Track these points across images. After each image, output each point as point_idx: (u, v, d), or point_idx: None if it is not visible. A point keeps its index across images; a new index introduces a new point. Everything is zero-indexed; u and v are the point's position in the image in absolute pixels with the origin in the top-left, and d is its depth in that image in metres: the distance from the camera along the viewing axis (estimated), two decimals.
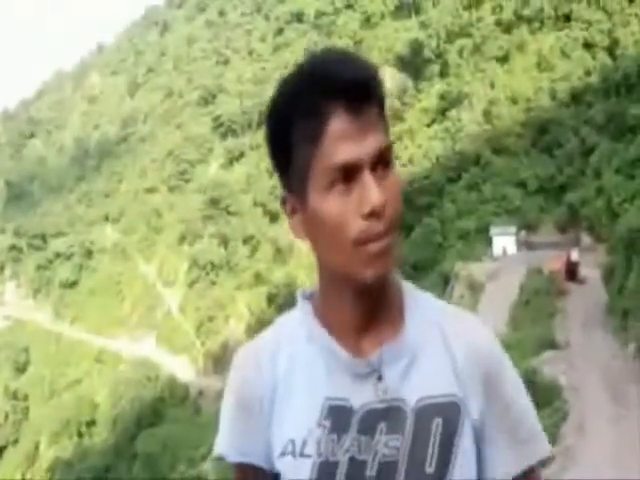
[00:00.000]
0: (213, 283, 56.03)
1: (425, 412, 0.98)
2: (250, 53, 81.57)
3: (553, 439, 12.41)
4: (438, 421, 0.97)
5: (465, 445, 0.99)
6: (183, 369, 49.78)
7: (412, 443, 0.96)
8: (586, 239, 29.85)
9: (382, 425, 0.97)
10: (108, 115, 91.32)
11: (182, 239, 61.62)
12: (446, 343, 1.02)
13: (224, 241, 58.72)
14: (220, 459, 1.04)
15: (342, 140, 0.90)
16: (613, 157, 31.71)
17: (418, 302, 1.05)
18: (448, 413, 0.98)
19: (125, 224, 68.41)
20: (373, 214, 0.90)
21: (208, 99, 76.98)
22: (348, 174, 0.91)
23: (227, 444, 1.04)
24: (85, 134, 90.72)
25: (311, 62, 0.94)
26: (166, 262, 60.67)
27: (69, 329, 60.41)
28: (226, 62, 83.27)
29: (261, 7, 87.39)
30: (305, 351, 1.01)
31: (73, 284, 64.26)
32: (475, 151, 42.11)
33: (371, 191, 0.90)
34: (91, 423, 47.49)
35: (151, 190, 70.44)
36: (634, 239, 18.41)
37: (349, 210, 0.91)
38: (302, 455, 0.97)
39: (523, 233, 33.77)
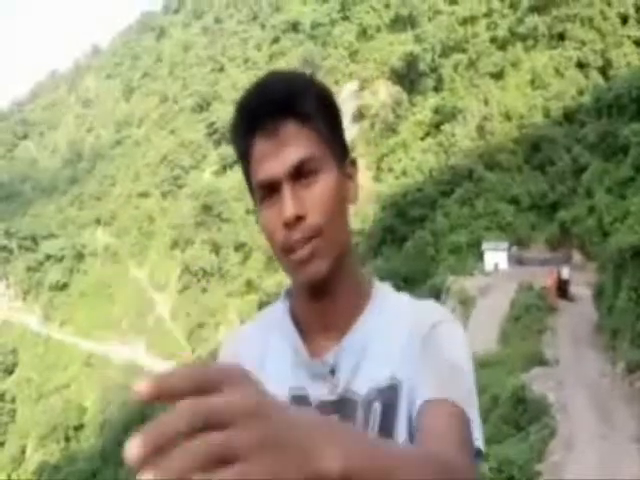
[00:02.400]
0: (204, 290, 56.07)
1: (368, 400, 1.04)
2: (245, 61, 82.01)
3: (541, 455, 12.71)
4: (376, 405, 1.04)
5: (404, 425, 1.03)
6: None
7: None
8: (577, 257, 30.28)
9: (334, 416, 1.04)
10: (102, 118, 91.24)
11: (174, 244, 61.64)
12: (396, 329, 1.08)
13: (216, 248, 58.82)
14: None
15: (261, 160, 0.99)
16: (604, 176, 32.24)
17: (381, 298, 1.12)
18: (387, 396, 1.04)
19: (117, 228, 68.30)
20: (288, 225, 0.98)
21: (203, 106, 77.26)
22: (272, 189, 1.00)
23: None
24: (79, 137, 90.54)
25: (245, 92, 1.03)
26: (157, 267, 60.63)
27: (58, 332, 60.09)
28: (221, 69, 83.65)
29: (257, 16, 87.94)
30: (278, 344, 1.12)
31: (63, 287, 63.98)
32: (468, 166, 42.61)
33: (285, 204, 0.98)
34: (79, 427, 47.23)
35: (144, 195, 70.41)
36: (624, 259, 18.72)
37: (274, 222, 1.00)
38: None
39: (515, 249, 34.20)
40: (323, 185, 1.00)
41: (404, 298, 1.13)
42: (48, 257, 65.72)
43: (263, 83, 1.01)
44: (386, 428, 1.02)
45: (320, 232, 1.00)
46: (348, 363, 1.06)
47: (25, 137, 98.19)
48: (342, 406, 1.05)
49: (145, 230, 65.54)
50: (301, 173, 0.99)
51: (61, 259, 65.58)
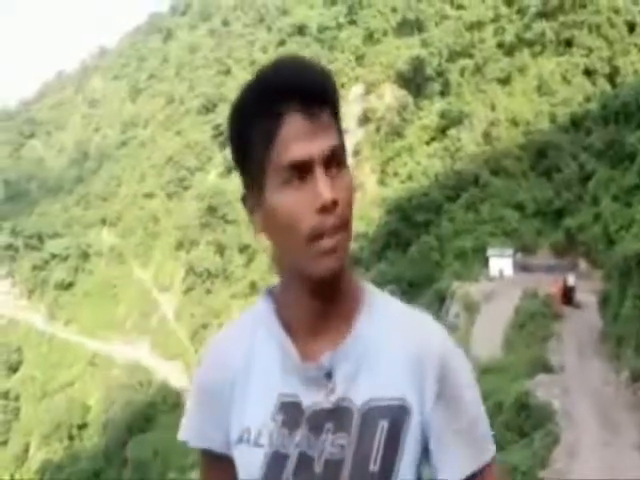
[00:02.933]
0: (208, 291, 56.25)
1: (371, 414, 1.02)
2: (252, 64, 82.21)
3: (544, 462, 12.76)
4: (384, 424, 1.01)
5: (410, 447, 1.03)
6: (176, 375, 49.80)
7: (357, 443, 1.01)
8: (583, 264, 30.32)
9: (329, 424, 1.02)
10: (109, 119, 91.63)
11: (179, 245, 61.86)
12: (400, 344, 1.05)
13: (220, 249, 59.00)
14: (184, 443, 1.13)
15: (295, 139, 0.96)
16: (611, 184, 32.29)
17: (375, 303, 1.09)
18: (395, 416, 1.02)
19: (122, 228, 68.58)
20: (325, 209, 0.95)
21: (209, 107, 77.48)
22: (301, 171, 0.96)
23: (189, 430, 1.12)
24: (85, 137, 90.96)
25: (270, 68, 1.00)
26: (162, 268, 60.85)
27: (63, 331, 60.35)
28: (227, 71, 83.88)
29: (264, 18, 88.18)
30: (264, 346, 1.07)
31: (68, 286, 64.27)
32: (474, 171, 42.69)
33: (323, 187, 0.95)
34: (82, 426, 47.43)
35: (149, 195, 70.68)
36: (630, 267, 18.74)
37: (302, 206, 0.96)
38: (256, 444, 1.03)
39: (520, 255, 34.24)
40: (348, 178, 1.01)
41: (398, 305, 1.12)
42: (53, 256, 66.04)
43: (299, 63, 0.99)
44: (391, 447, 1.01)
45: (347, 225, 0.99)
46: (346, 369, 1.03)
47: (32, 136, 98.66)
48: (337, 414, 1.02)
49: (150, 231, 65.80)
50: (331, 162, 0.98)
51: (66, 258, 65.88)
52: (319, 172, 0.96)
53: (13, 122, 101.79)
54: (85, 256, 66.62)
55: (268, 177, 0.98)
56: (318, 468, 1.01)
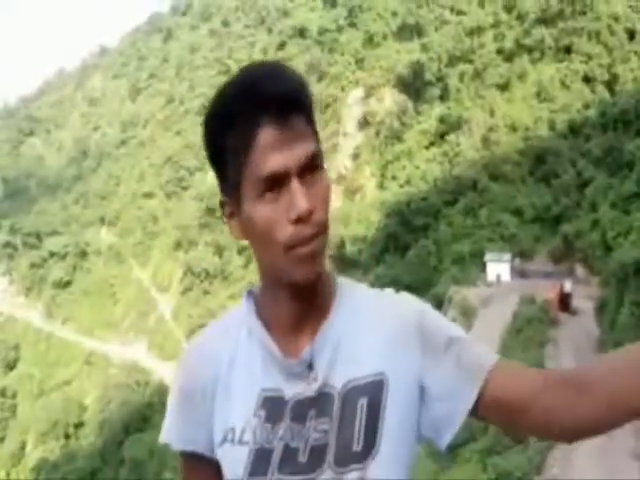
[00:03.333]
0: (206, 292, 56.30)
1: (350, 394, 1.04)
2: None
3: (539, 468, 12.89)
4: (363, 402, 1.03)
5: (393, 419, 1.04)
6: (173, 376, 49.78)
7: (339, 425, 1.03)
8: (580, 271, 30.53)
9: (312, 411, 1.04)
10: (108, 118, 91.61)
11: (177, 246, 61.91)
12: (373, 323, 1.07)
13: (219, 250, 59.07)
14: (166, 447, 1.13)
15: (270, 150, 0.96)
16: (609, 191, 32.54)
17: (348, 293, 1.12)
18: (372, 392, 1.04)
19: (121, 227, 68.60)
20: (300, 220, 0.97)
21: None
22: (277, 182, 0.97)
23: (172, 433, 1.11)
24: (84, 135, 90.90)
25: (243, 75, 1.00)
26: (160, 268, 60.89)
27: (60, 329, 60.32)
28: (228, 72, 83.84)
29: (265, 20, 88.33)
30: (245, 346, 1.09)
31: (66, 284, 64.24)
32: (472, 176, 42.92)
33: (298, 198, 0.96)
34: (79, 425, 47.40)
35: (148, 195, 70.72)
36: (627, 274, 18.91)
37: (278, 216, 0.97)
38: (240, 442, 1.04)
39: (517, 261, 34.45)
40: (324, 182, 1.02)
41: (365, 289, 1.14)
42: (52, 254, 66.01)
43: (270, 71, 0.99)
44: (372, 423, 1.03)
45: (325, 228, 1.01)
46: (324, 358, 1.06)
47: (31, 134, 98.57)
48: (320, 401, 1.04)
49: (149, 230, 65.83)
50: (306, 169, 0.99)
51: (64, 257, 65.87)
52: (295, 183, 0.97)
53: (13, 119, 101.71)
54: (83, 255, 66.62)
55: (245, 187, 0.99)
56: (303, 458, 1.02)
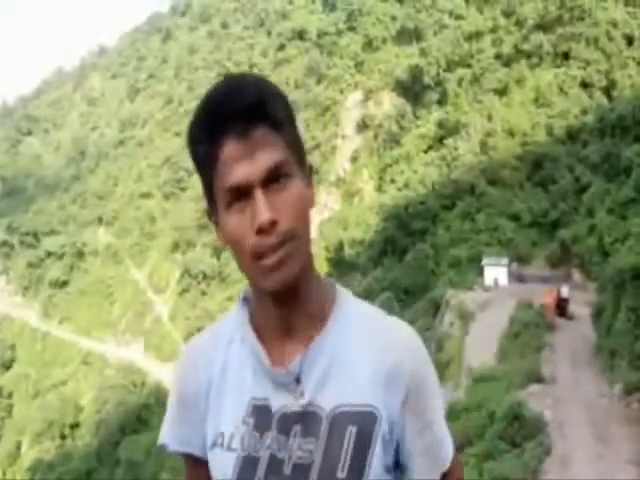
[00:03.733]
0: (204, 293, 56.28)
1: (340, 420, 1.04)
2: (251, 67, 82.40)
3: (535, 473, 12.95)
4: (352, 429, 1.04)
5: (379, 454, 1.05)
6: (170, 377, 49.81)
7: (325, 448, 1.04)
8: (577, 276, 30.65)
9: (297, 428, 1.05)
10: (107, 118, 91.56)
11: (175, 247, 61.88)
12: (368, 351, 1.08)
13: (217, 252, 59.06)
14: (163, 448, 1.18)
15: (232, 164, 0.99)
16: (606, 197, 32.69)
17: (346, 309, 1.12)
18: (363, 423, 1.04)
19: (118, 228, 68.55)
20: (262, 230, 0.98)
21: None
22: (242, 193, 1.00)
23: (168, 435, 1.16)
24: (83, 135, 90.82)
25: (209, 92, 1.04)
26: (158, 269, 60.84)
27: (57, 329, 60.22)
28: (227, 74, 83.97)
29: (264, 22, 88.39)
30: (238, 352, 1.11)
31: (63, 284, 64.15)
32: (470, 181, 43.05)
33: (259, 209, 0.98)
34: (75, 426, 47.33)
35: (146, 195, 70.68)
36: (624, 280, 18.92)
37: (244, 227, 1.00)
38: (229, 449, 1.07)
39: (515, 265, 34.55)
40: (294, 190, 1.02)
41: (369, 310, 1.14)
42: (49, 254, 65.92)
43: (231, 86, 1.02)
44: (360, 453, 1.04)
45: (294, 236, 1.01)
46: (314, 374, 1.06)
47: (29, 133, 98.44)
48: (306, 418, 1.05)
49: (146, 231, 65.80)
50: (273, 178, 1.00)
51: (62, 256, 65.78)
52: (258, 194, 0.99)
53: (11, 118, 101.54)
54: (80, 255, 66.54)
55: (217, 198, 1.04)
56: (287, 470, 1.04)
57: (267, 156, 1.00)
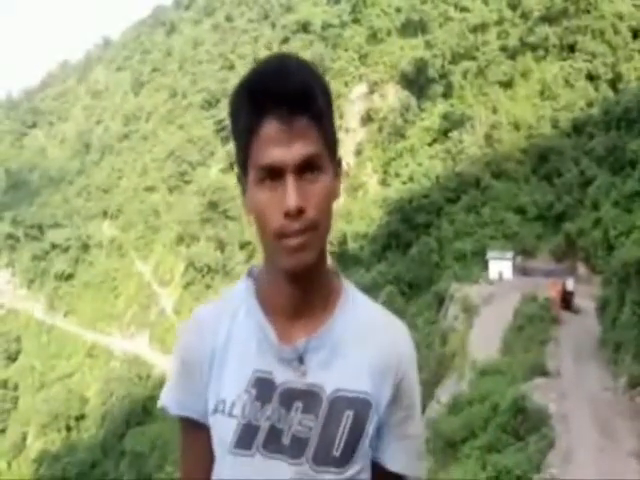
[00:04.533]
0: (208, 286, 56.38)
1: (339, 403, 1.13)
2: (256, 60, 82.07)
3: (538, 466, 12.95)
4: (349, 413, 1.13)
5: (370, 437, 1.15)
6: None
7: (323, 427, 1.12)
8: (582, 269, 30.55)
9: (298, 404, 1.12)
10: (111, 111, 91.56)
11: (179, 240, 61.94)
12: (369, 344, 1.16)
13: (221, 245, 59.14)
14: (163, 410, 1.23)
15: (270, 144, 1.05)
16: (611, 190, 32.54)
17: (352, 301, 1.20)
18: (359, 408, 1.13)
19: (123, 221, 68.65)
20: (289, 215, 1.04)
21: (212, 102, 77.45)
22: (275, 174, 1.05)
23: (170, 398, 1.22)
24: (87, 128, 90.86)
25: (257, 69, 1.10)
26: (162, 262, 60.96)
27: (62, 321, 60.48)
28: (231, 67, 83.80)
29: (268, 15, 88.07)
30: (243, 325, 1.17)
31: (68, 277, 64.37)
32: (475, 174, 42.91)
33: (289, 194, 1.04)
34: (80, 418, 47.60)
35: (151, 189, 70.73)
36: (629, 273, 18.85)
37: (272, 206, 1.06)
38: (230, 415, 1.13)
39: (519, 259, 34.44)
40: (323, 183, 1.09)
41: (372, 306, 1.23)
42: (54, 246, 66.12)
43: (281, 67, 1.07)
44: (354, 436, 1.13)
45: (316, 226, 1.07)
46: (318, 356, 1.13)
47: (34, 126, 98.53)
48: (307, 397, 1.12)
49: (151, 224, 65.89)
50: (306, 168, 1.06)
51: (67, 249, 65.97)
52: (289, 179, 1.04)
53: (16, 111, 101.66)
54: (85, 247, 66.73)
55: (250, 170, 1.09)
56: (286, 440, 1.12)
57: (304, 146, 1.05)
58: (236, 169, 1.16)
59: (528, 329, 22.17)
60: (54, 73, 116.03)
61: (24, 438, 48.26)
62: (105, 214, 71.14)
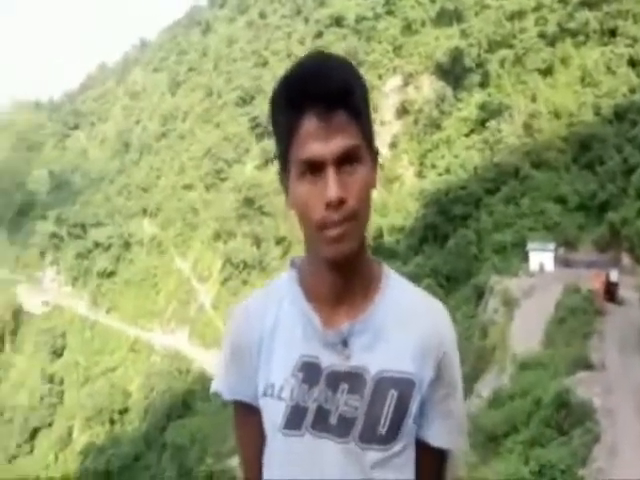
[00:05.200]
0: (245, 282, 56.91)
1: (383, 383, 1.18)
2: (289, 55, 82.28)
3: (584, 460, 12.63)
4: (394, 393, 1.18)
5: (414, 415, 1.20)
6: (214, 364, 50.54)
7: (369, 406, 1.17)
8: (626, 260, 29.67)
9: (344, 385, 1.18)
10: (149, 111, 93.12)
11: (216, 237, 62.66)
12: (410, 326, 1.21)
13: (257, 241, 59.60)
14: (216, 395, 1.30)
15: (310, 139, 1.10)
16: None
17: (393, 285, 1.25)
18: (403, 387, 1.19)
19: (162, 219, 69.83)
20: (330, 206, 1.10)
21: (246, 100, 77.99)
22: (316, 167, 1.11)
23: (221, 384, 1.29)
24: (126, 128, 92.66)
25: (295, 66, 1.15)
26: (201, 258, 61.79)
27: (105, 318, 61.98)
28: (265, 64, 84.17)
29: (301, 10, 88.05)
30: (288, 312, 1.23)
31: (110, 274, 65.88)
32: (514, 164, 42.06)
33: (330, 186, 1.10)
34: (123, 411, 48.72)
35: (188, 187, 71.71)
36: None
37: (314, 199, 1.11)
38: (279, 398, 1.20)
39: (561, 250, 33.61)
40: (362, 174, 1.14)
41: (413, 289, 1.28)
42: (96, 245, 67.74)
43: (320, 66, 1.12)
44: (399, 414, 1.18)
45: (356, 216, 1.13)
46: (362, 340, 1.19)
47: (76, 127, 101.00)
48: (352, 378, 1.18)
49: (189, 222, 66.84)
50: (345, 160, 1.12)
51: (109, 247, 67.50)
52: (330, 171, 1.10)
53: (58, 114, 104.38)
54: (126, 245, 68.16)
55: (291, 166, 1.15)
56: (333, 420, 1.17)
57: (343, 140, 1.11)
58: (277, 167, 1.21)
59: (570, 321, 21.70)
60: (93, 75, 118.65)
61: (70, 431, 49.67)
62: (145, 212, 72.49)
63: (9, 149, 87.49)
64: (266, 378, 1.22)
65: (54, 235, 71.53)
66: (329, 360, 1.18)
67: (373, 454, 1.17)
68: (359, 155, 1.13)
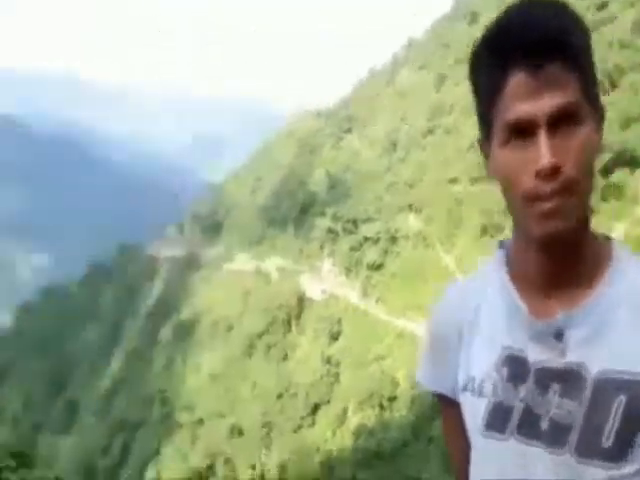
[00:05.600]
0: None
1: (607, 386, 0.94)
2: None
3: None
4: (622, 399, 0.93)
5: None
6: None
7: (588, 413, 0.95)
8: None
9: (556, 386, 0.98)
10: (415, 108, 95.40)
11: (483, 231, 61.44)
12: None
13: None
14: (418, 385, 1.24)
15: (518, 98, 0.93)
16: None
17: (625, 269, 1.01)
18: (635, 393, 0.93)
19: (426, 214, 71.11)
20: (541, 174, 0.92)
21: None
22: (524, 130, 0.93)
23: (422, 374, 1.22)
24: (394, 127, 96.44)
25: (503, 16, 0.96)
26: (466, 254, 61.28)
27: (374, 308, 65.67)
28: None
29: None
30: (492, 299, 1.08)
31: (379, 267, 69.49)
32: None
33: (542, 152, 0.91)
34: (392, 398, 51.09)
35: (453, 181, 71.63)
36: None
37: (521, 166, 0.94)
38: (480, 394, 1.06)
39: None
40: (583, 136, 0.94)
41: None
42: (366, 239, 72.10)
43: (530, 13, 0.94)
44: (629, 427, 0.92)
45: (574, 187, 0.93)
46: (581, 332, 0.98)
47: (349, 131, 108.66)
48: (566, 377, 0.98)
49: (454, 216, 66.82)
50: (561, 120, 0.92)
51: (377, 241, 71.27)
52: (541, 134, 0.92)
53: (333, 119, 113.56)
54: (393, 240, 71.11)
55: (494, 130, 0.99)
56: (544, 425, 0.98)
57: (558, 95, 0.92)
58: (478, 135, 1.07)
59: None
60: (364, 80, 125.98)
61: (345, 411, 53.84)
62: (410, 207, 74.58)
63: (293, 154, 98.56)
64: (466, 371, 1.10)
65: (330, 230, 78.12)
66: (538, 355, 1.01)
67: (594, 471, 0.93)
68: (579, 114, 0.93)
